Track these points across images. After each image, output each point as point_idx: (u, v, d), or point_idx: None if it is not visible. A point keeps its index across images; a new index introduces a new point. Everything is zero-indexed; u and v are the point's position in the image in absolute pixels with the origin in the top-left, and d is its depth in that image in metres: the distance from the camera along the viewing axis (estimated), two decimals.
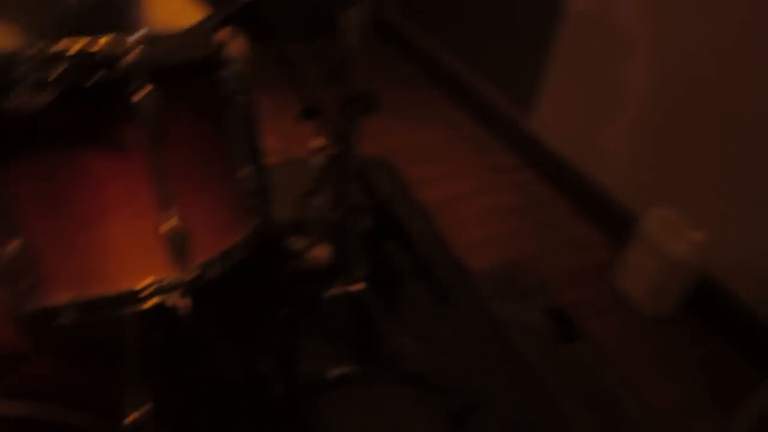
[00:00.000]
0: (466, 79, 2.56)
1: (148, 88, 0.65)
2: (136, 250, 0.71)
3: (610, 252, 1.86)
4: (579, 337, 1.61)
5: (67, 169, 0.66)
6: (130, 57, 0.64)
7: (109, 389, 0.87)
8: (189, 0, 1.17)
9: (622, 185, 1.90)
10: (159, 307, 0.72)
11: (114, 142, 0.67)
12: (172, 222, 0.71)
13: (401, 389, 1.36)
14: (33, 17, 1.01)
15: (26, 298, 0.68)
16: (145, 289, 0.72)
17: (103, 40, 0.63)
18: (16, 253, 0.65)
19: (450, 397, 1.32)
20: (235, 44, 0.84)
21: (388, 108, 2.59)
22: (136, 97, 0.65)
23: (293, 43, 1.06)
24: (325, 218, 1.41)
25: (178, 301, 0.74)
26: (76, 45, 0.62)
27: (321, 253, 1.49)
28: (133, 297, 0.71)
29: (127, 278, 0.71)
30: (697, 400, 1.48)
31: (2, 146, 0.63)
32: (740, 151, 1.51)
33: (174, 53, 0.72)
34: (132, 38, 0.64)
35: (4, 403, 0.73)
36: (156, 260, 0.72)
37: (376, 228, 1.51)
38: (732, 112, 1.51)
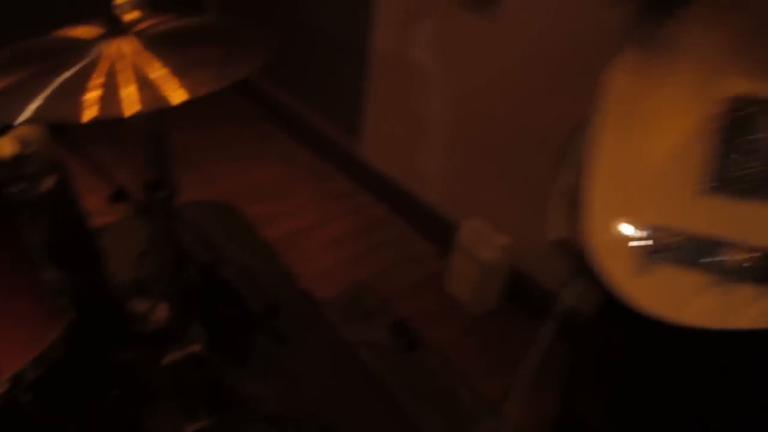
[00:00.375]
0: (299, 113, 2.68)
1: None
2: None
3: (440, 262, 2.08)
4: (420, 344, 1.80)
5: None
6: None
7: None
8: None
9: (443, 200, 2.14)
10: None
11: None
12: None
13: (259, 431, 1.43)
14: None
15: None
16: None
17: None
18: None
19: (304, 428, 1.43)
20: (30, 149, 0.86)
21: (224, 149, 2.65)
22: None
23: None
24: (161, 277, 1.43)
25: (20, 396, 0.75)
26: None
27: (162, 313, 1.51)
28: None
29: None
30: None
31: None
32: (528, 163, 1.79)
33: None
34: None
35: None
36: None
37: (211, 281, 1.57)
38: (517, 131, 1.79)
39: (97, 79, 0.77)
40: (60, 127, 0.95)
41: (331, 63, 2.43)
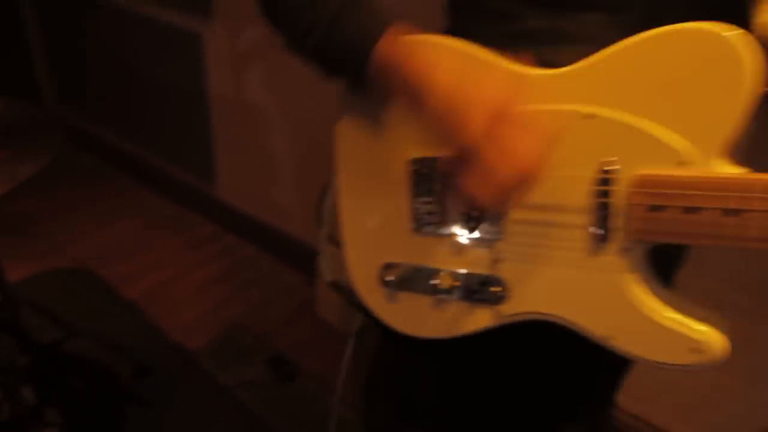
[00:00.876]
0: (152, 164, 2.63)
1: None
2: None
3: (310, 289, 2.15)
4: (298, 374, 1.85)
5: None
6: None
7: None
8: None
9: (304, 229, 2.21)
10: None
11: None
12: None
13: None
14: None
15: None
16: None
17: None
18: None
19: None
20: None
21: (76, 211, 2.54)
22: None
23: None
24: (13, 363, 1.38)
25: None
26: None
27: (6, 403, 1.44)
28: None
29: None
30: None
31: None
32: None
33: None
34: None
35: None
36: None
37: (60, 358, 1.52)
38: None
39: None
40: None
41: (174, 111, 2.42)
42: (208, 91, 2.19)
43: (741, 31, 0.48)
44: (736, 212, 0.47)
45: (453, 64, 0.55)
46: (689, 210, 0.49)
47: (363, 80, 0.62)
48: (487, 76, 0.52)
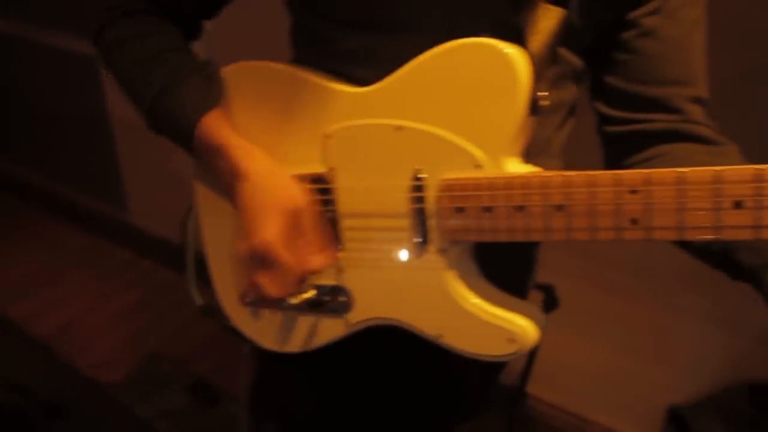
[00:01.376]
0: (58, 194, 2.53)
1: None
2: None
3: None
4: (220, 398, 1.81)
5: None
6: None
7: None
8: None
9: None
10: None
11: None
12: None
13: None
14: None
15: None
16: None
17: None
18: None
19: None
20: None
21: None
22: None
23: None
24: None
25: None
26: None
27: None
28: None
29: None
30: None
31: None
32: None
33: None
34: None
35: None
36: None
37: None
38: None
39: None
40: None
41: (77, 138, 2.34)
42: (109, 116, 2.13)
43: (517, 47, 0.53)
44: (521, 208, 0.50)
45: (260, 164, 0.62)
46: (487, 209, 0.52)
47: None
48: (287, 182, 0.61)
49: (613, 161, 0.70)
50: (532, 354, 1.53)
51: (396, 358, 0.75)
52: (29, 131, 2.52)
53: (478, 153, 0.53)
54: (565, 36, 0.59)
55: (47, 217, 2.56)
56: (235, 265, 0.74)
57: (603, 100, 0.67)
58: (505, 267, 0.68)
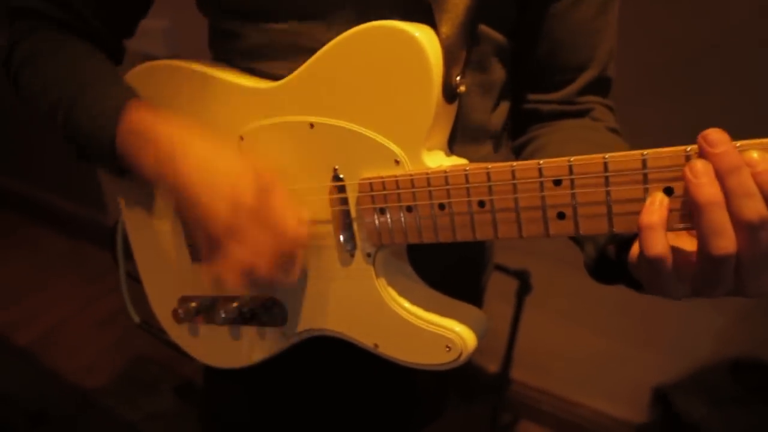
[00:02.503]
0: (38, 199, 2.50)
1: None
2: None
3: None
4: None
5: None
6: None
7: None
8: None
9: None
10: None
11: None
12: None
13: None
14: None
15: None
16: None
17: None
18: None
19: None
20: None
21: None
22: None
23: None
24: None
25: None
26: None
27: None
28: None
29: None
30: None
31: None
32: None
33: None
34: None
35: None
36: None
37: None
38: None
39: None
40: None
41: (54, 143, 2.30)
42: None
43: (427, 29, 0.48)
44: (443, 206, 0.46)
45: (199, 148, 0.52)
46: (408, 209, 0.48)
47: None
48: (233, 164, 0.51)
49: (511, 135, 0.68)
50: (511, 340, 1.51)
51: (346, 368, 0.72)
52: (6, 138, 2.48)
53: (395, 148, 0.49)
54: (486, 12, 0.54)
55: (28, 223, 2.53)
56: (162, 273, 0.71)
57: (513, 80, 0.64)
58: (451, 265, 0.65)
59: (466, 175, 0.45)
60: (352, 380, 0.74)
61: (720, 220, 0.37)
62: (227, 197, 0.49)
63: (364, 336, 0.56)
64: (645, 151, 0.39)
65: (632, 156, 0.39)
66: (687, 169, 0.37)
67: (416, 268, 0.57)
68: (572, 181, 0.41)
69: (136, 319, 0.79)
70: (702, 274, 0.39)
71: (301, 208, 0.52)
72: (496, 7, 0.55)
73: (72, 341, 1.97)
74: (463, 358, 0.51)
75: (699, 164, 0.37)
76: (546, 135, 0.62)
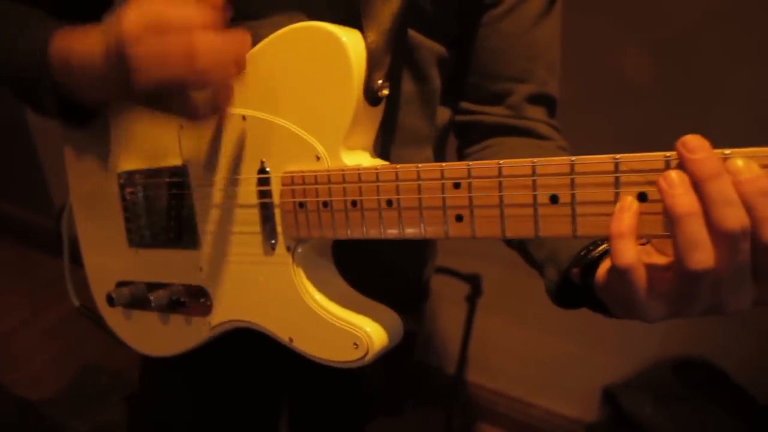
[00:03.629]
0: None
1: None
2: None
3: None
4: None
5: None
6: None
7: None
8: None
9: None
10: None
11: None
12: None
13: None
14: None
15: None
16: None
17: None
18: None
19: None
20: None
21: None
22: None
23: None
24: None
25: None
26: None
27: None
28: None
29: None
30: None
31: None
32: None
33: None
34: None
35: None
36: None
37: None
38: None
39: None
40: None
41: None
42: (30, 123, 2.04)
43: (353, 32, 0.50)
44: (355, 203, 0.47)
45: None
46: (325, 204, 0.49)
47: (54, 95, 0.56)
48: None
49: (458, 151, 0.69)
50: (465, 343, 1.53)
51: (286, 361, 0.72)
52: None
53: (317, 145, 0.50)
54: (419, 22, 0.57)
55: None
56: (102, 258, 0.71)
57: (455, 90, 0.66)
58: (388, 263, 0.66)
59: (377, 174, 0.46)
60: (298, 373, 0.74)
61: (697, 231, 0.35)
62: (130, 15, 0.44)
63: (280, 329, 0.57)
64: (618, 156, 0.38)
65: (603, 159, 0.38)
66: (661, 179, 0.35)
67: (346, 268, 0.58)
68: (470, 184, 0.42)
69: (76, 302, 0.79)
70: (678, 290, 0.37)
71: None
72: (434, 18, 0.58)
73: (17, 352, 1.90)
74: (369, 356, 0.52)
75: (673, 174, 0.35)
76: (494, 153, 0.63)
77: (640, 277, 0.37)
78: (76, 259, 0.79)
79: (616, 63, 1.19)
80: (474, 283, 1.41)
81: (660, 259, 0.39)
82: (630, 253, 0.36)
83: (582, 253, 0.47)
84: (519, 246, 0.59)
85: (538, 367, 1.62)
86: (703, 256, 0.34)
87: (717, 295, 0.36)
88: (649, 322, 0.40)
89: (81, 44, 0.52)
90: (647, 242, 0.41)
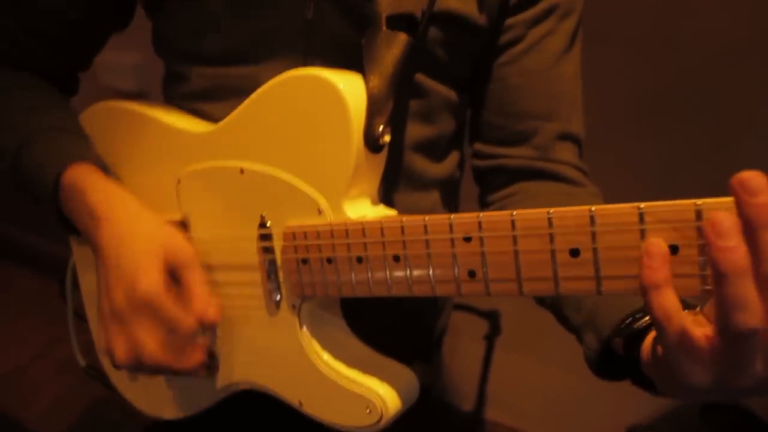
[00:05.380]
0: (7, 236, 2.45)
1: None
2: None
3: None
4: None
5: None
6: None
7: None
8: None
9: None
10: None
11: None
12: None
13: None
14: None
15: None
16: None
17: None
18: None
19: None
20: None
21: None
22: None
23: None
24: None
25: None
26: None
27: None
28: None
29: None
30: None
31: None
32: None
33: None
34: None
35: None
36: None
37: None
38: None
39: None
40: None
41: None
42: None
43: (352, 77, 0.47)
44: (360, 259, 0.44)
45: (122, 210, 0.53)
46: (329, 260, 0.46)
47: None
48: (165, 226, 0.52)
49: (480, 198, 0.65)
50: (483, 380, 1.48)
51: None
52: None
53: (318, 197, 0.47)
54: (428, 66, 0.55)
55: None
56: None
57: (473, 133, 0.63)
58: (398, 315, 0.62)
59: (382, 228, 0.43)
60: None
61: (746, 290, 0.30)
62: (125, 285, 0.50)
63: (288, 393, 0.53)
64: (642, 205, 0.34)
65: (626, 209, 0.34)
66: (710, 229, 0.30)
67: (357, 318, 0.55)
68: (481, 238, 0.38)
69: (82, 362, 0.77)
70: (722, 353, 0.32)
71: (210, 294, 0.51)
72: (445, 62, 0.55)
73: (31, 385, 1.89)
74: (384, 422, 0.48)
75: (725, 221, 0.30)
76: (520, 201, 0.60)
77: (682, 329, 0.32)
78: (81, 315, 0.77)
79: (636, 94, 1.16)
80: (492, 320, 1.37)
81: (696, 319, 0.34)
82: (669, 300, 0.32)
83: (625, 323, 0.43)
84: (553, 307, 0.55)
85: (559, 406, 1.55)
86: (749, 315, 0.30)
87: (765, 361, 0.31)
88: (695, 395, 0.36)
89: (86, 222, 0.54)
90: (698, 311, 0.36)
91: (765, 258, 0.30)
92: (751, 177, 0.30)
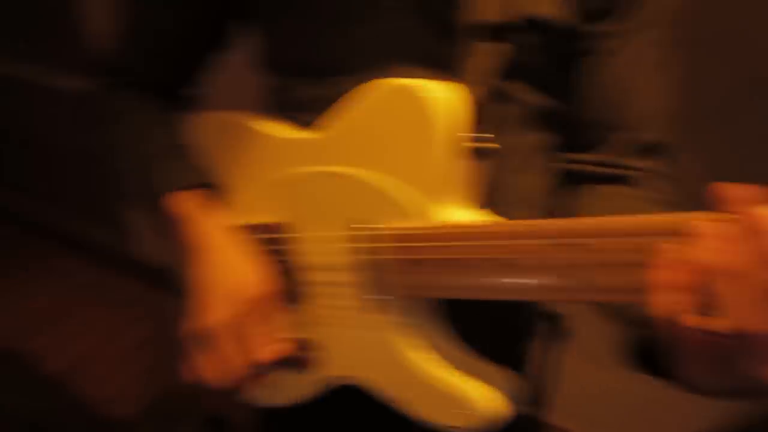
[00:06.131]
0: (64, 227, 2.55)
1: None
2: None
3: None
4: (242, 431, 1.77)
5: None
6: None
7: None
8: None
9: None
10: None
11: None
12: None
13: None
14: None
15: None
16: None
17: None
18: None
19: None
20: None
21: None
22: None
23: None
24: None
25: None
26: None
27: None
28: None
29: None
30: None
31: None
32: None
33: None
34: None
35: None
36: None
37: None
38: None
39: None
40: None
41: (84, 172, 2.35)
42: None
43: (440, 85, 0.48)
44: (451, 261, 0.44)
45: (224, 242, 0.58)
46: (420, 262, 0.47)
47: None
48: (248, 266, 0.56)
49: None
50: (548, 386, 1.45)
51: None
52: (40, 167, 2.55)
53: (410, 201, 0.49)
54: (522, 74, 0.55)
55: (57, 251, 2.57)
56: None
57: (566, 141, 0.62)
58: (500, 316, 0.62)
59: (484, 232, 0.43)
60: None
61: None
62: (219, 309, 0.55)
63: (381, 387, 0.55)
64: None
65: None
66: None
67: (460, 318, 0.55)
68: (604, 242, 0.38)
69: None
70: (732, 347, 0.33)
71: (279, 335, 0.56)
72: (540, 68, 0.55)
73: (99, 371, 1.98)
74: (474, 425, 0.49)
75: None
76: (580, 206, 0.60)
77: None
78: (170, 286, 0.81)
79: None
80: (556, 323, 1.34)
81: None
82: (668, 300, 0.34)
83: None
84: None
85: (628, 412, 1.52)
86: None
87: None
88: (710, 389, 0.38)
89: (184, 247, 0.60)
90: None
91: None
92: None
